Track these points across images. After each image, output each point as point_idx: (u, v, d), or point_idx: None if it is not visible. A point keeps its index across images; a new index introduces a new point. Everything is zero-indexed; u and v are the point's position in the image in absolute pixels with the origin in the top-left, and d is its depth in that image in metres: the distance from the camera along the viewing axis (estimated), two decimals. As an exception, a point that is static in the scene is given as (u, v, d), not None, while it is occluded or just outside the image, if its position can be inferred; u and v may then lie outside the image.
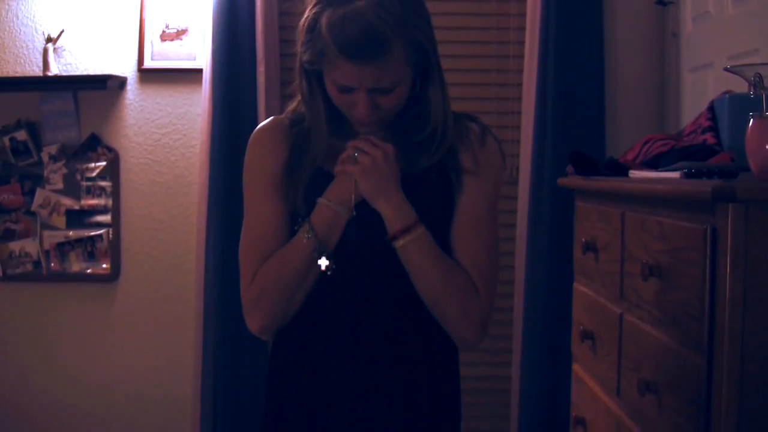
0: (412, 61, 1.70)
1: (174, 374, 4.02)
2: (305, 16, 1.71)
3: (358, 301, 1.77)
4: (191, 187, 3.92)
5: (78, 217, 3.93)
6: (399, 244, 1.73)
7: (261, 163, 1.84)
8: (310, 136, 1.80)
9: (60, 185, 3.91)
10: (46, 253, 3.94)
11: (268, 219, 1.81)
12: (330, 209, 1.74)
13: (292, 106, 1.89)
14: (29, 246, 3.95)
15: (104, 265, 3.94)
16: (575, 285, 2.51)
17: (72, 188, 3.91)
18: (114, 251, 3.94)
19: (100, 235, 3.92)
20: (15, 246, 3.95)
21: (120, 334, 4.03)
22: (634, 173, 2.14)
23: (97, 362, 4.05)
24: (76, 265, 3.95)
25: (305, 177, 1.78)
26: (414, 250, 1.73)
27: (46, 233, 3.93)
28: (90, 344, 4.04)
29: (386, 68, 1.65)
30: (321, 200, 1.75)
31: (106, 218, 3.93)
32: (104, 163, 3.90)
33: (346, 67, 1.65)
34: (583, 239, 2.31)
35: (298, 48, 1.75)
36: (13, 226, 3.94)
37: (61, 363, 4.06)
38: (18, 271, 3.96)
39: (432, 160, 1.78)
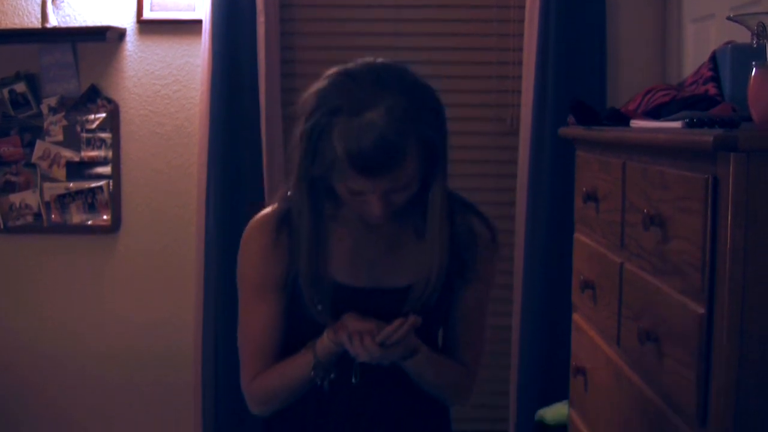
0: (424, 156, 1.65)
1: (175, 325, 4.04)
2: (307, 120, 1.61)
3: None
4: (191, 138, 3.91)
5: (78, 169, 3.93)
6: (407, 362, 1.76)
7: (248, 271, 1.83)
8: (308, 249, 1.74)
9: (60, 137, 3.90)
10: (47, 205, 3.94)
11: (260, 321, 1.82)
12: (333, 346, 1.74)
13: (279, 195, 1.82)
14: (29, 198, 3.95)
15: (105, 217, 3.95)
16: (576, 235, 2.52)
17: (72, 140, 3.90)
18: (114, 203, 3.94)
19: (100, 187, 3.92)
20: (15, 198, 3.95)
21: (120, 286, 4.05)
22: (636, 123, 2.14)
23: (98, 314, 4.07)
24: (76, 217, 3.95)
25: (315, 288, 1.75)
26: (414, 368, 1.78)
27: (47, 185, 3.93)
28: (90, 296, 4.06)
29: (401, 173, 1.62)
30: (326, 335, 1.74)
31: (106, 170, 3.92)
32: (104, 115, 3.89)
33: (361, 179, 1.61)
34: (584, 189, 2.31)
35: (299, 154, 1.66)
36: (13, 179, 3.94)
37: (61, 315, 4.07)
38: (18, 223, 3.96)
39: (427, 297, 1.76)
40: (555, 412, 3.44)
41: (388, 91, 1.58)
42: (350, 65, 1.64)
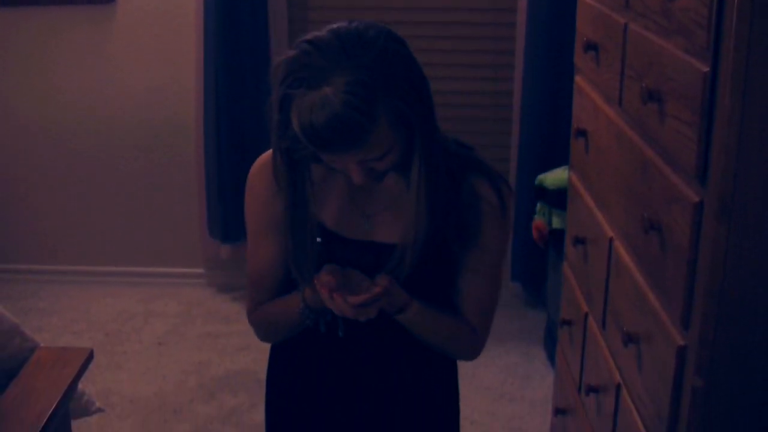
0: (401, 124, 1.54)
1: (176, 93, 4.04)
2: (275, 90, 1.53)
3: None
4: None
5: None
6: (397, 317, 1.72)
7: (251, 211, 1.81)
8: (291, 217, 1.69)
9: None
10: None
11: (263, 257, 1.81)
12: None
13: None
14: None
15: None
16: (579, -4, 2.46)
17: None
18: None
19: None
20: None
21: (121, 55, 4.03)
22: None
23: (99, 85, 4.06)
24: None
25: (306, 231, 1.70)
26: (406, 323, 1.73)
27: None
28: (91, 67, 4.04)
29: (370, 146, 1.51)
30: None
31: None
32: None
33: (326, 154, 1.55)
34: (589, -52, 2.25)
35: (272, 125, 1.58)
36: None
37: (63, 87, 4.07)
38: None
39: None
40: (555, 177, 3.49)
41: (352, 62, 1.47)
42: (321, 32, 1.53)
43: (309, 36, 1.52)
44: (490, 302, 1.81)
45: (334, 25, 1.53)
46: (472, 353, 1.85)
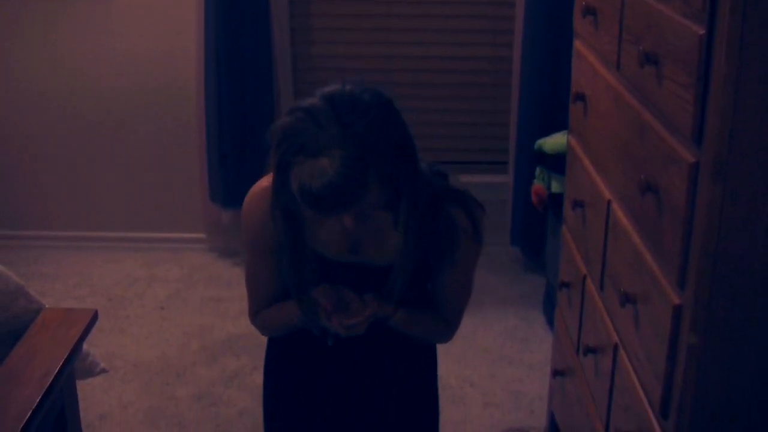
0: (390, 183, 1.69)
1: (177, 58, 4.05)
2: (275, 153, 1.67)
3: None
4: None
5: None
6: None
7: (248, 235, 1.96)
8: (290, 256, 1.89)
9: None
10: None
11: (260, 274, 1.99)
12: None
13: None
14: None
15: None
16: (579, -40, 2.47)
17: None
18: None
19: None
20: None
21: (122, 20, 4.03)
22: None
23: (100, 51, 4.07)
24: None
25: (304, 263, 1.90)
26: (395, 326, 1.97)
27: None
28: (92, 33, 4.05)
29: (361, 205, 1.67)
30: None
31: None
32: None
33: (321, 214, 1.71)
34: None
35: (272, 180, 1.75)
36: None
37: (64, 53, 4.08)
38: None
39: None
40: (554, 141, 3.50)
41: (346, 131, 1.61)
42: (315, 99, 1.66)
43: (304, 104, 1.66)
44: (462, 302, 2.05)
45: (327, 90, 1.68)
46: (446, 340, 2.12)
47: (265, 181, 1.91)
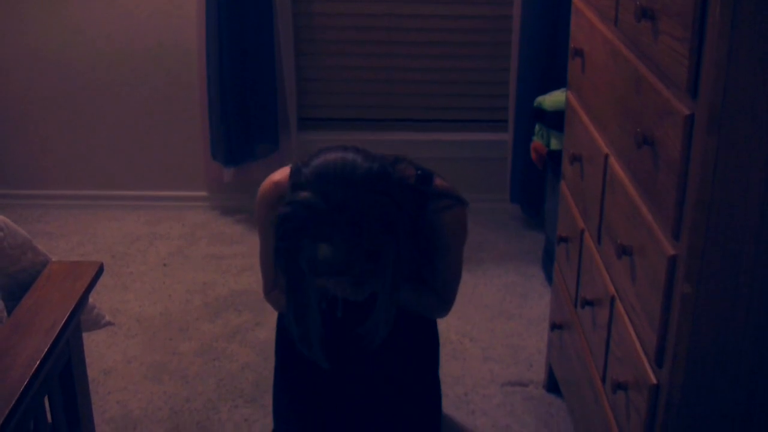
0: (382, 255, 1.88)
1: (178, 16, 4.05)
2: (277, 238, 1.88)
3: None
4: None
5: None
6: None
7: (259, 223, 2.20)
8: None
9: None
10: None
11: (269, 255, 2.09)
12: None
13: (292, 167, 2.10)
14: None
15: None
16: None
17: None
18: None
19: None
20: None
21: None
22: None
23: (101, 10, 4.07)
24: None
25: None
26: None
27: None
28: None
29: (359, 274, 1.89)
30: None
31: None
32: None
33: (323, 282, 1.93)
34: None
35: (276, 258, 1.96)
36: None
37: (66, 13, 4.08)
38: None
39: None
40: (553, 99, 3.52)
41: (342, 219, 1.81)
42: (309, 195, 1.84)
43: (301, 197, 1.84)
44: (455, 280, 2.28)
45: (324, 166, 1.88)
46: (443, 315, 2.37)
47: (277, 176, 2.13)
